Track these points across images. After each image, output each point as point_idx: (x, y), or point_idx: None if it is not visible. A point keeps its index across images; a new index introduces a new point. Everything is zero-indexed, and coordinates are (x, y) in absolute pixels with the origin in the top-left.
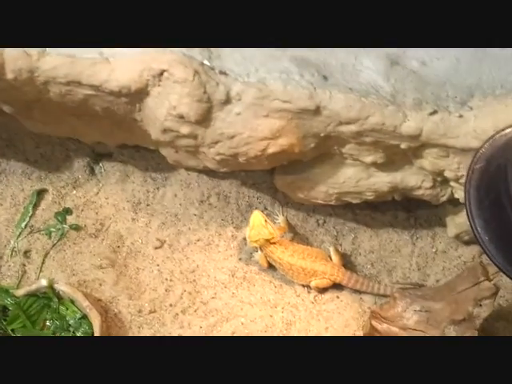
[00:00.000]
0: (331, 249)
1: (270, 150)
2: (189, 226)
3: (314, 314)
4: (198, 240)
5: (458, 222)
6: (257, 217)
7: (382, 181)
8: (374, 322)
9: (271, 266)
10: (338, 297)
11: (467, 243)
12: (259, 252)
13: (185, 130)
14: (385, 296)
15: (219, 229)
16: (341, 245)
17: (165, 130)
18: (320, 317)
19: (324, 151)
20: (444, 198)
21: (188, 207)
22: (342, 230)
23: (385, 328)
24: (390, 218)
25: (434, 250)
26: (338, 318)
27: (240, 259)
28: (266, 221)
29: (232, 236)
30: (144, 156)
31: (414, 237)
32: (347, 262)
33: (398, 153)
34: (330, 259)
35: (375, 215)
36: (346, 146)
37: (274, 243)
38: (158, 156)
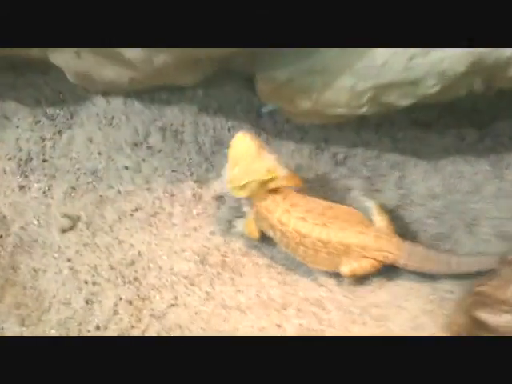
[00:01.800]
0: (371, 204)
1: None
2: (118, 189)
3: (355, 313)
4: (136, 209)
5: None
6: (243, 141)
7: (455, 53)
8: (481, 314)
9: (266, 239)
10: (391, 279)
11: None
12: (246, 210)
13: None
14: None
15: (170, 186)
16: (379, 191)
17: None
18: (366, 317)
19: None
20: None
21: (114, 157)
22: (377, 166)
23: (507, 321)
24: (452, 140)
25: None
26: (398, 315)
27: (212, 233)
28: (261, 147)
29: (194, 196)
30: (30, 81)
31: (497, 166)
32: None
33: None
34: (371, 223)
35: (427, 137)
36: None
37: (276, 191)
38: (53, 77)
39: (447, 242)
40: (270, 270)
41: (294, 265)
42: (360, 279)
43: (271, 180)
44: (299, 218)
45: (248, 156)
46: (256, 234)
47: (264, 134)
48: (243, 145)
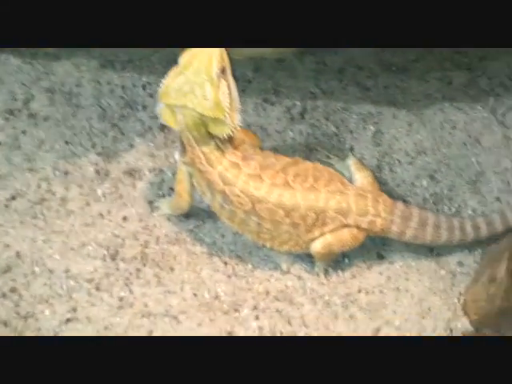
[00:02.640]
0: (349, 161)
1: None
2: None
3: (337, 304)
4: (14, 198)
5: None
6: (208, 50)
7: None
8: None
9: (204, 215)
10: (381, 256)
11: None
12: (177, 157)
13: None
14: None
15: (63, 163)
16: (353, 150)
17: None
18: (353, 308)
19: None
20: None
21: None
22: (345, 120)
23: None
24: (436, 85)
25: None
26: (398, 300)
27: (125, 218)
28: (226, 71)
29: (97, 172)
30: None
31: (496, 111)
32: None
33: None
34: (348, 182)
35: (405, 84)
36: None
37: (230, 142)
38: None
39: (447, 206)
40: (212, 259)
41: (246, 250)
42: (336, 260)
43: (215, 122)
44: (251, 176)
45: (202, 71)
46: (186, 197)
47: None
48: (205, 53)
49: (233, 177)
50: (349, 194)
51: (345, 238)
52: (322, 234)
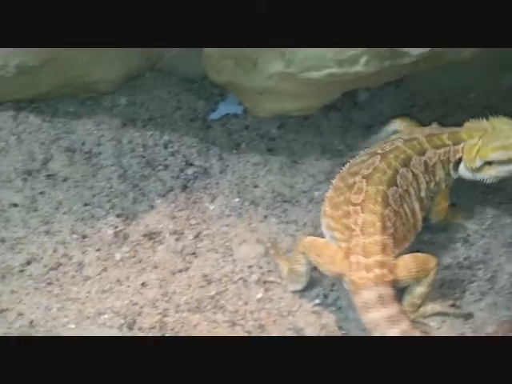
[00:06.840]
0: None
1: None
2: (1, 236)
3: None
4: (29, 262)
5: None
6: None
7: None
8: None
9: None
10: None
11: None
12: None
13: None
14: None
15: (81, 226)
16: None
17: None
18: None
19: None
20: None
21: None
22: None
23: None
24: None
25: None
26: None
27: (144, 284)
28: None
29: (116, 235)
30: None
31: None
32: None
33: None
34: None
35: None
36: None
37: None
38: None
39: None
40: (234, 329)
41: (271, 319)
42: None
43: None
44: None
45: None
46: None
47: (215, 148)
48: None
49: None
50: None
51: None
52: None
